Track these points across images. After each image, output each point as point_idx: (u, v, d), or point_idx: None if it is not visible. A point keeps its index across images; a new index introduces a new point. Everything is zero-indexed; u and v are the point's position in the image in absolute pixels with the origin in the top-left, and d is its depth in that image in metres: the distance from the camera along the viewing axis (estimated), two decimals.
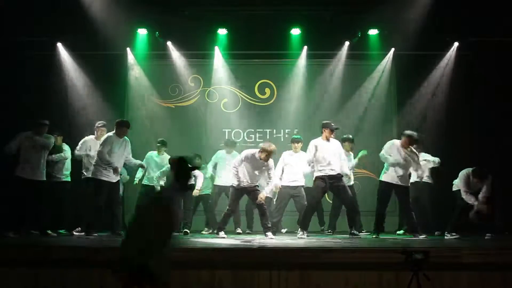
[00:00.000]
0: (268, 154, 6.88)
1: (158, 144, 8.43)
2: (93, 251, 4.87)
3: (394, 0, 8.67)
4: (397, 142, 7.23)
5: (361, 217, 8.04)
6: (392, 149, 7.15)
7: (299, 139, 8.08)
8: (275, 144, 9.56)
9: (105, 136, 7.23)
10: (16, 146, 6.94)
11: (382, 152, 7.24)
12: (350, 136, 8.30)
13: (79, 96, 9.47)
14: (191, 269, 4.60)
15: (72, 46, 9.42)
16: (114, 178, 7.10)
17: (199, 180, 7.86)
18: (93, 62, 9.33)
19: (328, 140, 7.11)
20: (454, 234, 7.18)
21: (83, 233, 7.27)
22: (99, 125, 7.82)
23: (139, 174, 8.32)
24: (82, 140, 7.83)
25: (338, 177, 7.02)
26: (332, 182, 6.99)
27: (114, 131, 7.20)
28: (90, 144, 7.71)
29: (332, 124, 7.18)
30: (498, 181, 7.36)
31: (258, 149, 7.00)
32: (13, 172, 6.92)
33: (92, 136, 7.83)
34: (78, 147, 7.75)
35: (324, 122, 7.28)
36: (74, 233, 7.48)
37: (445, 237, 7.20)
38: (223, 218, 7.03)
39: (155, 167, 8.26)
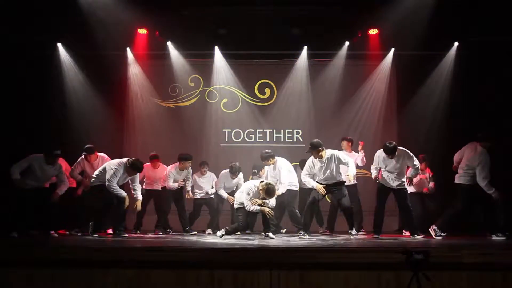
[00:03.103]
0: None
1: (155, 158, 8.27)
2: (93, 251, 4.88)
3: (394, 0, 8.68)
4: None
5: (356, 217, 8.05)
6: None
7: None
8: (275, 144, 9.72)
9: (113, 167, 6.97)
10: (23, 171, 6.99)
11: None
12: (348, 137, 8.43)
13: (79, 96, 9.47)
14: (190, 269, 4.60)
15: (72, 46, 9.42)
16: None
17: (188, 184, 8.13)
18: (93, 62, 9.33)
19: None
20: (443, 233, 7.14)
21: (80, 234, 7.34)
22: (87, 153, 7.64)
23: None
24: (76, 162, 7.73)
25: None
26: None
27: (125, 165, 7.02)
28: (85, 168, 7.68)
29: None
30: (499, 181, 7.36)
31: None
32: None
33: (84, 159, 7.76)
34: (73, 167, 7.71)
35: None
36: (73, 233, 7.51)
37: (437, 237, 7.16)
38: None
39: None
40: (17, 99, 8.81)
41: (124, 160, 7.12)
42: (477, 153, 7.08)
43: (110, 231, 7.49)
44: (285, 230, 8.28)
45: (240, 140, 9.98)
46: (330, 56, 9.78)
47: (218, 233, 7.11)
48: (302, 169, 7.77)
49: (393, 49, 9.69)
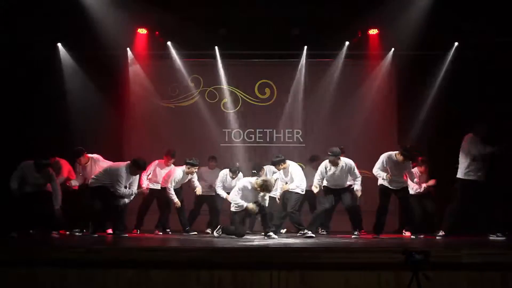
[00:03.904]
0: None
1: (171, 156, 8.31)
2: (94, 251, 4.88)
3: (394, 0, 8.67)
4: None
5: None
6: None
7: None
8: (275, 144, 9.72)
9: (118, 172, 7.01)
10: (19, 179, 7.07)
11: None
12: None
13: (79, 96, 9.46)
14: (190, 269, 4.60)
15: (72, 46, 9.42)
16: None
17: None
18: (93, 62, 9.32)
19: None
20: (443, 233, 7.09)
21: (80, 234, 7.37)
22: (75, 156, 7.73)
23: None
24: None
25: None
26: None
27: (128, 166, 7.08)
28: (80, 171, 7.78)
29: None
30: (499, 181, 7.36)
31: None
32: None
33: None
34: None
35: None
36: (73, 233, 7.52)
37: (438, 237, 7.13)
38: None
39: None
40: (17, 100, 8.81)
41: (124, 163, 7.14)
42: (466, 142, 7.05)
43: (110, 231, 7.49)
44: (285, 230, 8.28)
45: (240, 140, 9.97)
46: (330, 56, 9.78)
47: (215, 233, 7.15)
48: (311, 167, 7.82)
49: (393, 49, 9.69)
